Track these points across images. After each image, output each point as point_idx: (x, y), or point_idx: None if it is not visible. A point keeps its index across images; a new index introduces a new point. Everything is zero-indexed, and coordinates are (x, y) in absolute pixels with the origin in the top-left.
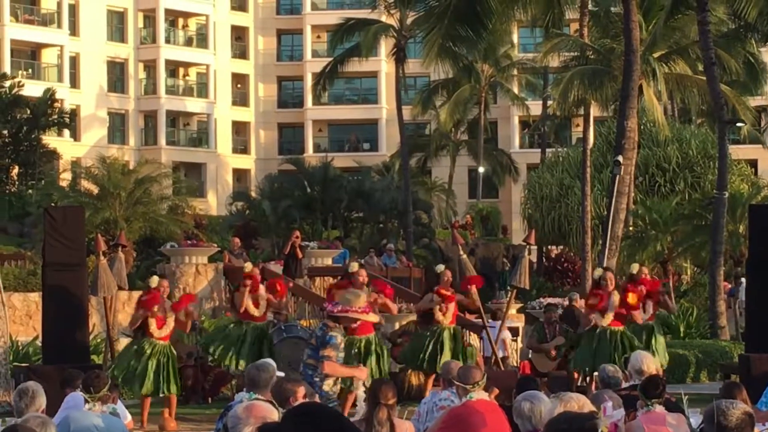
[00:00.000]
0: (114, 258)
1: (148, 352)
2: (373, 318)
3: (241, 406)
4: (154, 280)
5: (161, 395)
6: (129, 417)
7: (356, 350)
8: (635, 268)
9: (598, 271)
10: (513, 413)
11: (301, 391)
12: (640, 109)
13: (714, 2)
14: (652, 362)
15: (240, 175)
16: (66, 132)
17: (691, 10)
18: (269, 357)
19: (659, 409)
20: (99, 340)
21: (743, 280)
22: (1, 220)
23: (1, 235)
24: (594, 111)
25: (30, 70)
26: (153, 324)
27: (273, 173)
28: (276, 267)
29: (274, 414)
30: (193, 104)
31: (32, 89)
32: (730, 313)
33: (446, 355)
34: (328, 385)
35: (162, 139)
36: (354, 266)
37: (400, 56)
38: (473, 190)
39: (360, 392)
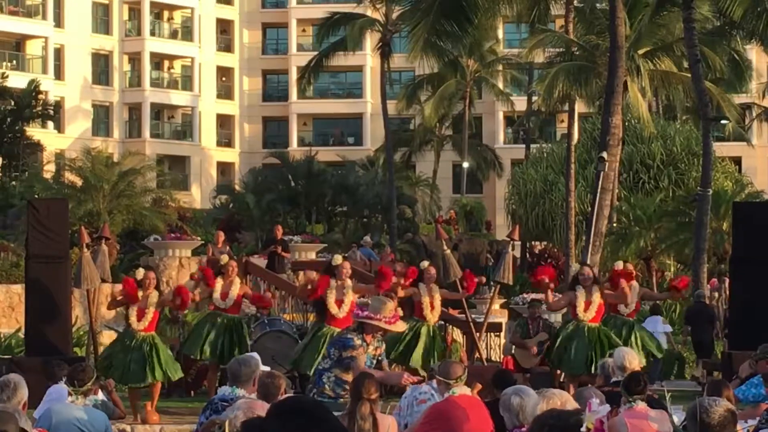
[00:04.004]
0: (97, 250)
1: (129, 343)
2: (400, 327)
3: (243, 400)
4: (140, 273)
5: (143, 385)
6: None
7: None
8: (620, 265)
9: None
10: (500, 406)
11: (284, 384)
12: (624, 105)
13: (699, 0)
14: (635, 358)
15: (224, 168)
16: (50, 124)
17: (676, 7)
18: (243, 349)
19: (641, 405)
20: (82, 333)
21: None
22: None
23: None
24: (579, 107)
25: (14, 62)
26: (132, 315)
27: (257, 167)
28: (259, 261)
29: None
30: (177, 97)
31: (16, 81)
32: None
33: (418, 351)
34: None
35: (146, 132)
36: (338, 259)
37: (385, 51)
38: (457, 185)
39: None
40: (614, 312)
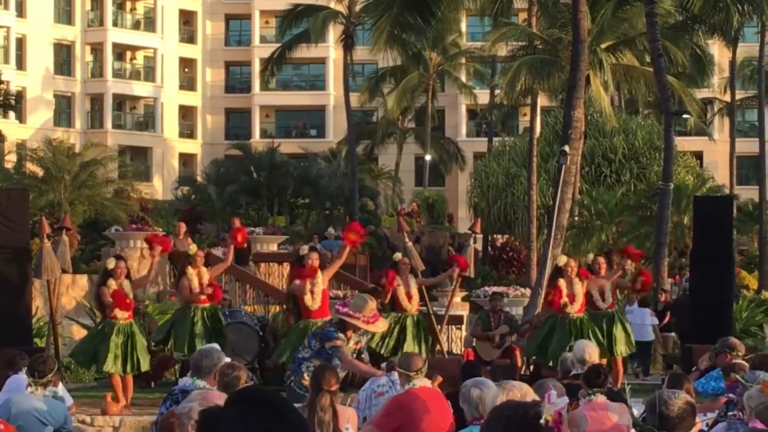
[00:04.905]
0: (58, 241)
1: (112, 332)
2: (380, 328)
3: (198, 391)
4: (111, 262)
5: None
6: (71, 400)
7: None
8: (590, 257)
9: (562, 259)
10: (460, 398)
11: (244, 376)
12: (587, 99)
13: None
14: (594, 352)
15: (186, 159)
16: (11, 114)
17: (638, 1)
18: (219, 340)
19: (601, 398)
20: (42, 324)
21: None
22: None
23: None
24: (541, 101)
25: None
26: (117, 308)
27: (219, 158)
28: (218, 252)
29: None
30: (140, 88)
31: None
32: None
33: (409, 343)
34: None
35: (108, 123)
36: (304, 249)
37: (348, 43)
38: (420, 177)
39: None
40: (593, 308)
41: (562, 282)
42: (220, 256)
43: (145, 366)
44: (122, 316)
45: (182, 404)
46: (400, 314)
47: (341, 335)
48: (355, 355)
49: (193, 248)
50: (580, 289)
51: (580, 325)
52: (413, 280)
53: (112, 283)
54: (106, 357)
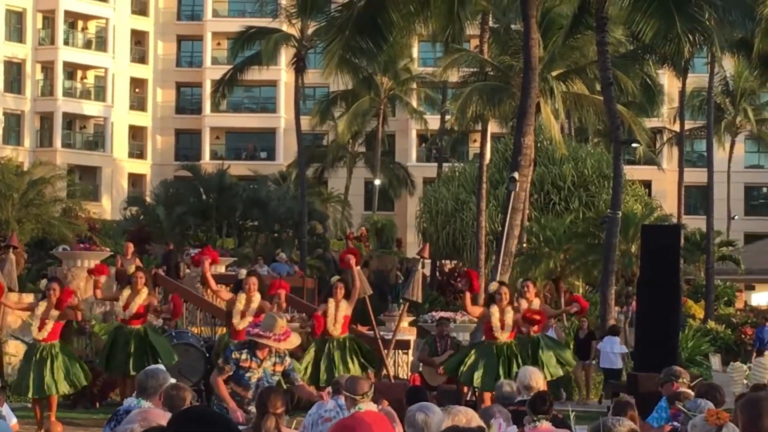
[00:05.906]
0: (5, 259)
1: (36, 355)
2: (292, 344)
3: (137, 410)
4: (43, 284)
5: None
6: (15, 419)
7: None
8: (493, 287)
9: (494, 286)
10: (405, 423)
11: (189, 397)
12: (537, 126)
13: (613, 23)
14: (540, 378)
15: (135, 180)
16: None
17: (590, 30)
18: (150, 361)
19: (546, 425)
20: None
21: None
22: None
23: None
24: (491, 127)
25: None
26: (34, 325)
27: (168, 179)
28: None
29: (166, 420)
30: (90, 107)
31: None
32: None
33: (338, 366)
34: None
35: (57, 142)
36: (242, 273)
37: (300, 66)
38: (369, 202)
39: None
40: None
41: (495, 308)
42: (167, 277)
43: (62, 390)
44: (39, 336)
45: (123, 424)
46: (325, 340)
47: (235, 356)
48: (275, 378)
49: (131, 268)
50: (510, 318)
51: (507, 352)
52: (345, 306)
53: (42, 305)
54: (29, 382)
